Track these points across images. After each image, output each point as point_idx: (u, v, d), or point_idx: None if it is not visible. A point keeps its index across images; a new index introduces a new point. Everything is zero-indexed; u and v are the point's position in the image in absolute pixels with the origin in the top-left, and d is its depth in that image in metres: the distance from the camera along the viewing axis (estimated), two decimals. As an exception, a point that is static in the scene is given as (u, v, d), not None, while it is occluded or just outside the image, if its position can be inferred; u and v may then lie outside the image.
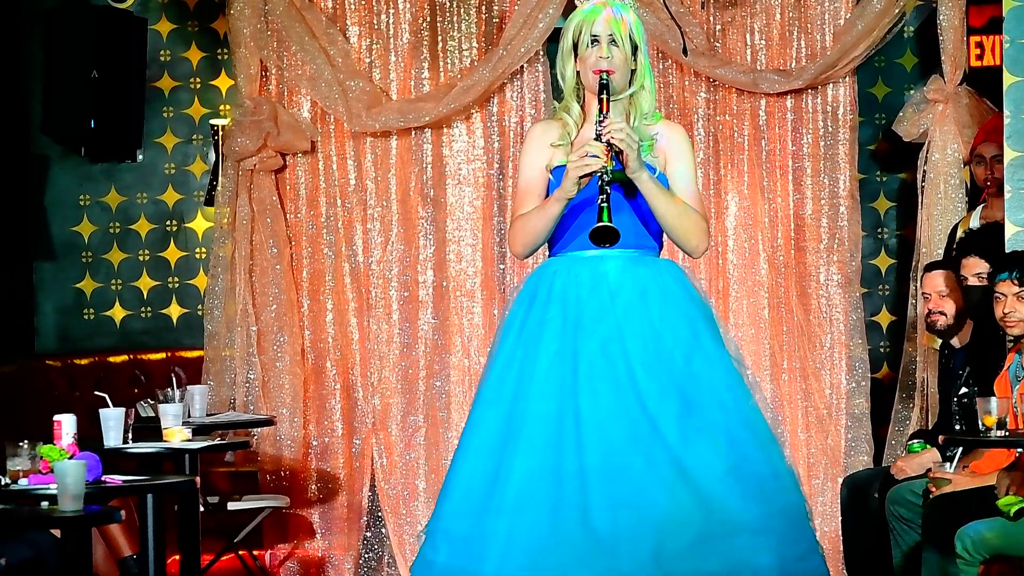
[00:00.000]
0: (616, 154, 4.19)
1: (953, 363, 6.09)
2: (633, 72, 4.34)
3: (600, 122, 4.20)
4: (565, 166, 4.25)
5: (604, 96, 4.24)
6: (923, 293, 6.27)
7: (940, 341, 6.38)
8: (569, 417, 4.08)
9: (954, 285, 6.08)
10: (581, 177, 4.21)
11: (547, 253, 4.44)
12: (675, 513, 3.96)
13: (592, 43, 4.30)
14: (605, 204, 4.12)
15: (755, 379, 4.47)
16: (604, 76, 4.25)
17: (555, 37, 7.18)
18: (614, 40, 4.29)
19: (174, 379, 6.25)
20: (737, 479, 4.05)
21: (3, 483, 4.73)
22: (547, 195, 4.33)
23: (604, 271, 4.25)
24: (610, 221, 4.11)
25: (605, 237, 4.12)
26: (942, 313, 6.11)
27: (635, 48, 4.33)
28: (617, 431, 4.05)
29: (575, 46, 4.33)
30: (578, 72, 4.35)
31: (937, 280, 6.14)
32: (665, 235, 4.36)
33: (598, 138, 4.18)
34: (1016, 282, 5.39)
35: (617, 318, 4.18)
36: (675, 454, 4.03)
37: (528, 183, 4.37)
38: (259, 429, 7.21)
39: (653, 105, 4.39)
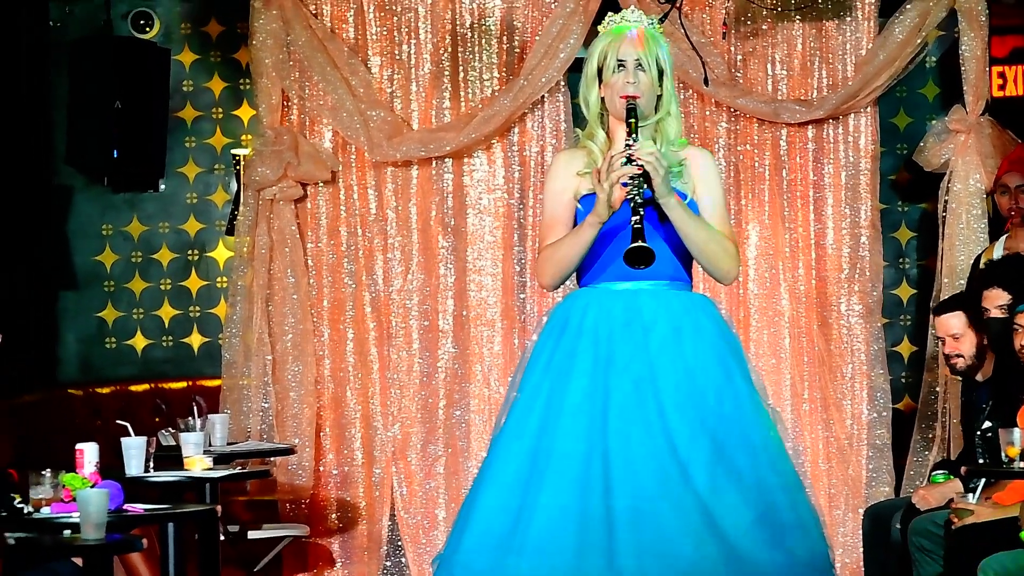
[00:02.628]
0: (644, 178, 4.07)
1: (976, 397, 6.01)
2: (659, 98, 4.22)
3: (629, 146, 4.07)
4: (594, 195, 4.13)
5: (632, 121, 4.12)
6: (936, 337, 6.18)
7: (963, 373, 6.33)
8: (597, 458, 3.98)
9: (967, 323, 5.98)
10: (617, 189, 4.07)
11: (576, 283, 4.32)
12: (702, 563, 3.87)
13: (618, 68, 4.17)
14: (639, 225, 4.00)
15: (776, 411, 4.38)
16: (631, 101, 4.13)
17: (576, 67, 7.19)
18: (640, 65, 4.17)
19: (195, 408, 6.26)
20: (764, 528, 3.96)
21: (26, 511, 4.72)
22: (575, 225, 4.21)
23: (638, 306, 4.13)
24: (644, 242, 3.99)
25: (640, 258, 4.00)
26: (960, 356, 5.98)
27: (661, 73, 4.21)
28: (646, 475, 3.95)
29: (600, 71, 4.21)
30: (603, 98, 4.23)
31: (949, 323, 6.00)
32: (695, 261, 4.25)
33: (628, 161, 4.05)
34: (1034, 313, 5.38)
35: (650, 356, 4.06)
36: (704, 502, 3.94)
37: (554, 213, 4.25)
38: (275, 458, 7.21)
39: (679, 131, 4.28)
